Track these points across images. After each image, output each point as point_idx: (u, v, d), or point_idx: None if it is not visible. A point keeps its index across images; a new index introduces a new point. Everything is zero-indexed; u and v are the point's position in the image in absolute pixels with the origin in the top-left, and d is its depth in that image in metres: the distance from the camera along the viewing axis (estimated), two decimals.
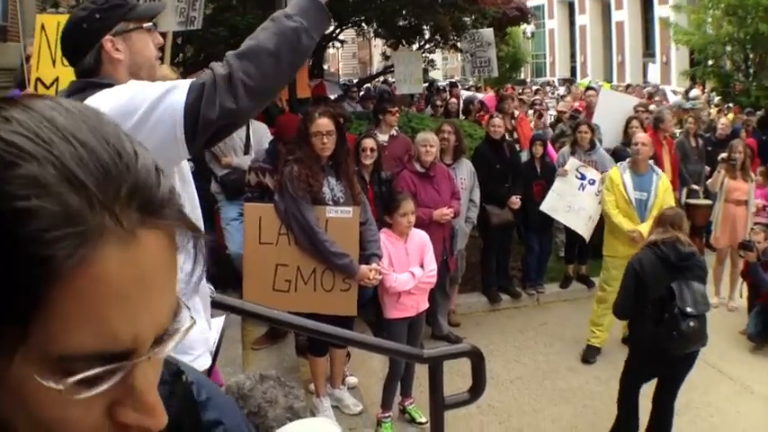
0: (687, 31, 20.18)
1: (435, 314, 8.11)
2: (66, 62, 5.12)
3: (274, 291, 5.49)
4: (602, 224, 8.51)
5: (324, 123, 5.49)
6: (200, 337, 2.57)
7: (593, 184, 8.98)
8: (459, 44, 16.94)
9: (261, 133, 7.69)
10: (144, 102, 2.14)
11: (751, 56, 18.80)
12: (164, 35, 7.23)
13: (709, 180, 9.88)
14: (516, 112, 11.10)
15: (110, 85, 2.33)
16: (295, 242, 5.49)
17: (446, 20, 13.48)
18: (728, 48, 19.05)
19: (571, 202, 8.95)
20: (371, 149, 6.85)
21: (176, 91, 2.15)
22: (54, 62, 5.19)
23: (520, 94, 18.07)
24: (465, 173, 8.34)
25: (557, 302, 9.60)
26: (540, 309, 9.57)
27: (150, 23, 2.59)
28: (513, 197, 8.81)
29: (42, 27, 5.28)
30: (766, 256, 8.01)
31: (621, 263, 6.99)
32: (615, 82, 37.09)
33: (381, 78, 22.93)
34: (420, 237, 6.31)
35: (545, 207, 9.01)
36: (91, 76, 2.49)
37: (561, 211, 9.03)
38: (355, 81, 25.04)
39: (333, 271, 5.49)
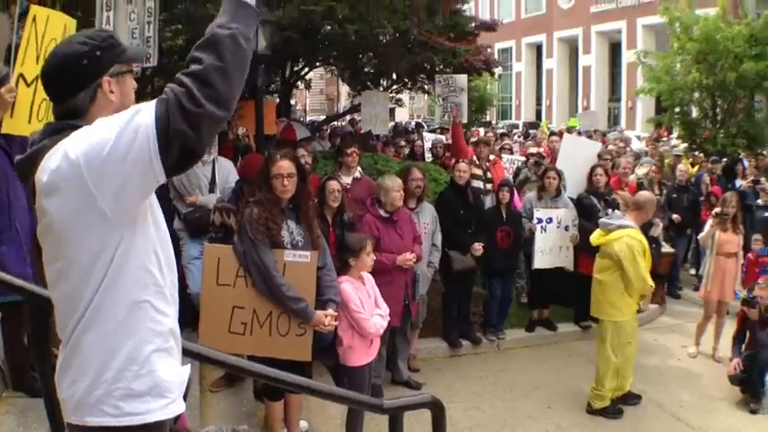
0: (656, 73, 20.30)
1: (395, 359, 8.08)
2: None
3: (230, 333, 5.42)
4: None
5: (285, 166, 5.49)
6: (176, 379, 2.53)
7: (550, 222, 9.52)
8: (426, 86, 17.06)
9: (227, 171, 7.65)
10: (114, 127, 2.18)
11: (719, 103, 18.93)
12: None
13: (700, 235, 9.98)
14: (492, 157, 11.09)
15: None
16: (252, 285, 5.43)
17: (405, 68, 13.61)
18: (696, 94, 19.19)
19: (545, 247, 9.51)
20: (338, 191, 6.84)
21: (143, 112, 2.18)
22: (38, 58, 4.90)
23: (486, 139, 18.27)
24: (428, 217, 8.33)
25: (517, 348, 9.57)
26: (500, 355, 9.49)
27: (138, 68, 2.63)
28: (476, 244, 8.79)
29: (33, 19, 4.97)
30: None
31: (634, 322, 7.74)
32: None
33: (348, 117, 22.91)
34: (370, 278, 6.37)
35: (540, 265, 9.55)
36: (75, 115, 2.44)
37: (548, 258, 9.59)
38: (322, 118, 25.04)
39: (289, 315, 5.43)
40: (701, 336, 9.63)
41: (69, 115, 2.45)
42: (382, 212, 7.41)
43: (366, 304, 6.08)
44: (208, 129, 2.20)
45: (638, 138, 30.22)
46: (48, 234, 2.36)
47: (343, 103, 50.73)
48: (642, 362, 8.96)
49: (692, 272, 13.40)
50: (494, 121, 48.10)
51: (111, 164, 2.16)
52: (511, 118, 56.00)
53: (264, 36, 9.26)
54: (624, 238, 7.48)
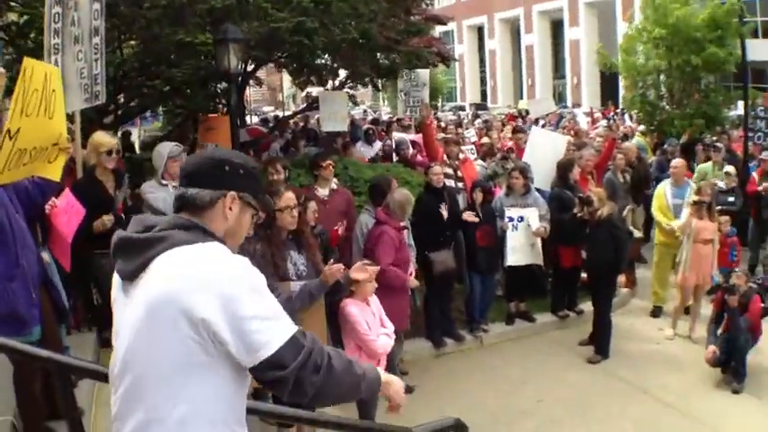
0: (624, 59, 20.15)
1: (393, 364, 8.10)
2: (28, 113, 4.80)
3: None
4: None
5: (291, 197, 5.52)
6: None
7: (521, 220, 9.73)
8: (379, 83, 17.01)
9: None
10: (253, 315, 2.37)
11: (677, 85, 18.89)
12: (73, 115, 7.17)
13: (677, 223, 10.19)
14: (461, 156, 11.11)
15: (212, 236, 2.52)
16: None
17: (367, 68, 13.58)
18: (655, 77, 19.14)
19: (516, 244, 9.72)
20: (314, 211, 6.88)
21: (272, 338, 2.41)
22: (22, 112, 4.78)
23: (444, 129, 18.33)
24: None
25: (500, 342, 9.71)
26: (484, 350, 9.59)
27: (258, 214, 2.77)
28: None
29: (24, 72, 4.80)
30: (745, 298, 8.33)
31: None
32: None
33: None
34: (374, 299, 6.44)
35: (513, 263, 9.76)
36: (193, 208, 2.56)
37: (519, 255, 9.80)
38: (274, 115, 24.53)
39: None
40: (678, 320, 9.91)
41: (187, 205, 2.57)
42: (401, 223, 7.56)
43: (372, 325, 6.17)
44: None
45: (585, 114, 30.65)
46: (124, 332, 2.44)
47: (286, 92, 50.16)
48: (622, 347, 9.26)
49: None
50: (439, 104, 47.99)
51: (224, 326, 2.32)
52: (456, 100, 56.05)
53: (235, 54, 9.20)
54: None
